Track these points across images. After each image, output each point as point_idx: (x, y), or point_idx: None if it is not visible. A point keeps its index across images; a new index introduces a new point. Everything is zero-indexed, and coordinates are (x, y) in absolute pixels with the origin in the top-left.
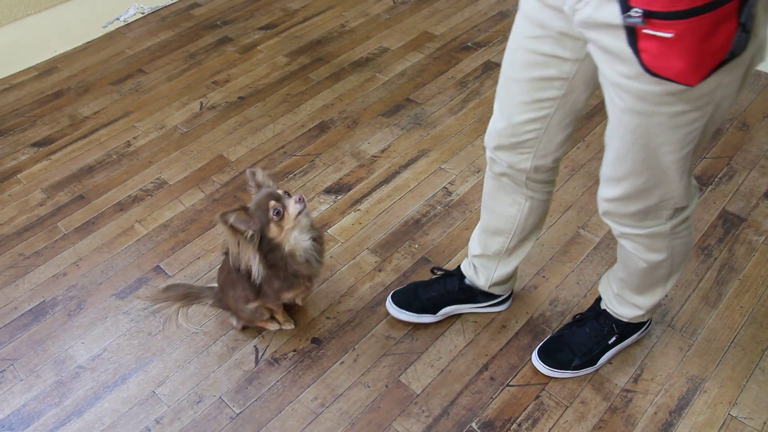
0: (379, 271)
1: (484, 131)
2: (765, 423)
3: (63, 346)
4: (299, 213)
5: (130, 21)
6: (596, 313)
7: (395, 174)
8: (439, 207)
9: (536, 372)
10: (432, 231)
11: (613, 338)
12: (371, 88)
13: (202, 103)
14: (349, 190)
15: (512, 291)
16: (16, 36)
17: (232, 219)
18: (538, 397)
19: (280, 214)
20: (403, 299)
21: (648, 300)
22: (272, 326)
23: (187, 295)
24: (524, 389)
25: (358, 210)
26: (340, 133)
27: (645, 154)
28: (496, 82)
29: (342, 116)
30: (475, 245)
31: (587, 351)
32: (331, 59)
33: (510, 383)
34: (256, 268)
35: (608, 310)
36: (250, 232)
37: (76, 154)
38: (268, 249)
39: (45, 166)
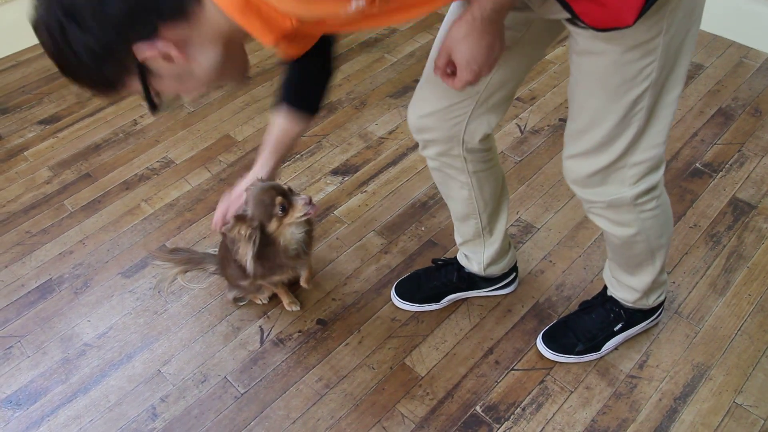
0: (385, 253)
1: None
2: None
3: (69, 324)
4: (304, 215)
5: None
6: (603, 299)
7: (403, 156)
8: None
9: (541, 357)
10: (439, 214)
11: (619, 325)
12: (379, 68)
13: None
14: (356, 171)
15: (517, 274)
16: (23, 12)
17: (236, 231)
18: (542, 381)
19: (285, 210)
20: (407, 290)
21: (640, 281)
22: (258, 300)
23: (190, 260)
24: (529, 373)
25: (365, 191)
26: (348, 114)
27: (605, 99)
28: None
29: (350, 97)
30: (456, 235)
31: (591, 337)
32: (339, 39)
33: (515, 367)
34: (250, 264)
35: (614, 296)
36: (250, 231)
37: (83, 132)
38: (263, 244)
39: (52, 143)
